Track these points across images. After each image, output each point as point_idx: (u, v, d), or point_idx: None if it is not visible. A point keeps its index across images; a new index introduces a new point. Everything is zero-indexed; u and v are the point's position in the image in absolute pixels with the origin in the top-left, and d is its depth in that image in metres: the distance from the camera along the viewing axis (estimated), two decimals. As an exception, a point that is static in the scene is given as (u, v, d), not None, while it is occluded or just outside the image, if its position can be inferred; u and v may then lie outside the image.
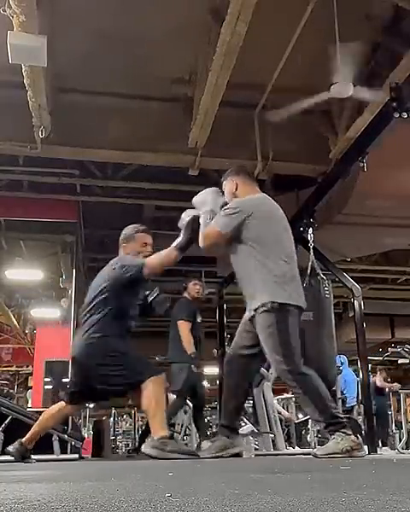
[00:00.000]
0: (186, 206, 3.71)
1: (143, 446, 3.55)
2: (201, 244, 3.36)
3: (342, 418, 3.14)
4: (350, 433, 3.06)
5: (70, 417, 7.60)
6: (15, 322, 13.08)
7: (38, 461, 4.11)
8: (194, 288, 6.08)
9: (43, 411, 4.43)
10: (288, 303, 3.20)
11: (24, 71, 4.91)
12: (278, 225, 3.37)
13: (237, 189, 3.52)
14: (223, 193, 3.63)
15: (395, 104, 4.25)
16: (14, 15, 4.19)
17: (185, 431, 8.21)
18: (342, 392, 8.94)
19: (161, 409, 3.51)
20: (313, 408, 3.13)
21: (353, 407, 9.28)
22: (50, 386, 9.92)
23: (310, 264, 5.26)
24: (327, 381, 5.19)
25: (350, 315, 10.16)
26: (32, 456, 3.99)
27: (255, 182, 3.66)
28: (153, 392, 3.45)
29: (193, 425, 6.81)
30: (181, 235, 3.54)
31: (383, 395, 9.31)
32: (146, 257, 3.71)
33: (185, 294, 6.10)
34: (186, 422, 7.50)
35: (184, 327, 5.77)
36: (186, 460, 3.22)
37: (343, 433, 3.02)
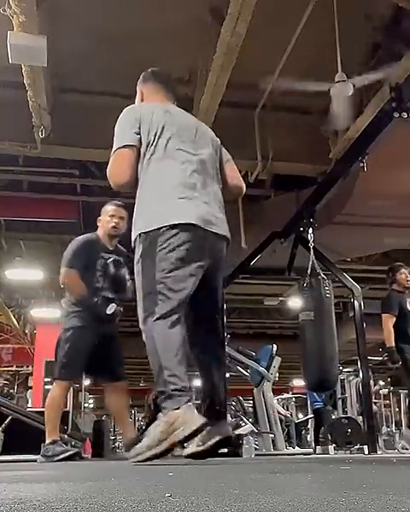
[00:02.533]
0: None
1: None
2: (113, 182, 2.69)
3: (179, 390, 2.25)
4: (177, 407, 2.23)
5: (70, 417, 7.61)
6: (15, 322, 13.08)
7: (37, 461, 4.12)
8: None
9: (43, 411, 4.45)
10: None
11: (24, 71, 4.91)
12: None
13: (143, 100, 2.98)
14: None
15: (394, 104, 4.25)
16: (14, 15, 4.19)
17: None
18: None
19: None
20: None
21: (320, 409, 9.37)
22: (50, 387, 9.92)
23: (310, 264, 5.26)
24: (328, 382, 5.21)
25: (350, 315, 10.15)
26: (33, 456, 4.01)
27: (169, 89, 2.98)
28: None
29: None
30: None
31: None
32: (113, 228, 4.13)
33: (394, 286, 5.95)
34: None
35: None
36: (186, 460, 3.21)
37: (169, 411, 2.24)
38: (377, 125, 4.66)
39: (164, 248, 2.37)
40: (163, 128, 2.58)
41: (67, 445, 6.37)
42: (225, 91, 5.30)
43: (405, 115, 4.19)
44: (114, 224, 4.21)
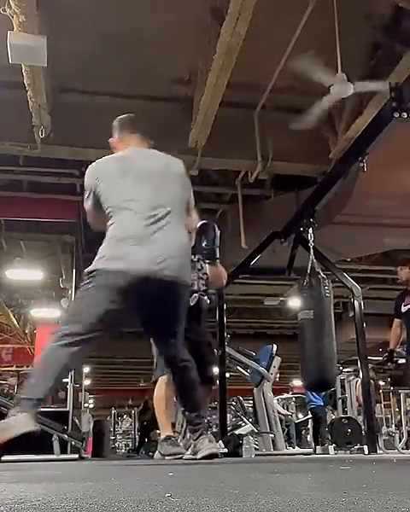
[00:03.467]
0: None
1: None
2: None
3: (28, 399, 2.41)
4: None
5: (70, 417, 7.61)
6: (15, 322, 13.07)
7: (37, 461, 4.12)
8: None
9: (42, 411, 4.43)
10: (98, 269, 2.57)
11: (24, 71, 4.91)
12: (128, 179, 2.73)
13: (116, 149, 3.05)
14: None
15: (394, 104, 4.25)
16: (14, 15, 4.20)
17: (185, 431, 8.20)
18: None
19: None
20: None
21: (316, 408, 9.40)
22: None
23: (310, 264, 5.26)
24: (327, 381, 5.21)
25: (350, 315, 10.16)
26: (33, 456, 4.01)
27: (138, 131, 3.03)
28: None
29: None
30: None
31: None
32: None
33: None
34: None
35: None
36: (186, 460, 3.22)
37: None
38: (377, 125, 4.66)
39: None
40: (115, 184, 2.70)
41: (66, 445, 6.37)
42: (225, 91, 5.30)
43: (405, 115, 4.19)
44: None
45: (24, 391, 2.45)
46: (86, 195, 2.77)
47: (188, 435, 2.88)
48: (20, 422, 2.38)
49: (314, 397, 9.37)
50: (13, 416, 2.38)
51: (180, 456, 3.38)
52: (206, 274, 3.90)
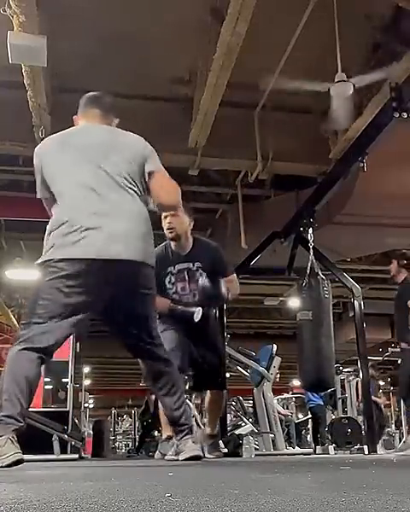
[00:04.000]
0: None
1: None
2: None
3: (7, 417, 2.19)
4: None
5: (70, 417, 7.61)
6: (15, 322, 13.06)
7: (38, 461, 4.11)
8: None
9: (43, 411, 4.42)
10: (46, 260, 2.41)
11: (24, 71, 4.91)
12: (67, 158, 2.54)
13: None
14: None
15: (395, 104, 4.25)
16: (14, 15, 4.20)
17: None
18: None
19: None
20: None
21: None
22: (50, 386, 9.92)
23: (310, 264, 5.26)
24: (325, 381, 5.21)
25: (350, 315, 10.16)
26: (32, 457, 3.98)
27: (99, 107, 2.91)
28: None
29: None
30: None
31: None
32: (169, 230, 3.59)
33: None
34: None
35: None
36: (186, 460, 3.21)
37: None
38: (377, 125, 4.66)
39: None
40: (55, 164, 2.53)
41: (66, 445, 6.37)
42: (225, 91, 5.30)
43: (405, 115, 4.19)
44: (167, 226, 3.60)
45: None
46: (37, 182, 2.58)
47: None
48: (7, 449, 2.16)
49: (314, 396, 9.39)
50: None
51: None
52: (207, 285, 3.65)
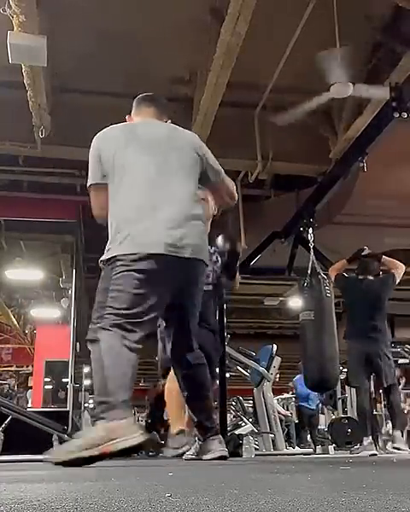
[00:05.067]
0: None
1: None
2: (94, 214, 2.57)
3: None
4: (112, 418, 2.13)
5: (70, 417, 7.61)
6: (15, 322, 13.08)
7: (37, 461, 4.11)
8: None
9: (43, 411, 4.42)
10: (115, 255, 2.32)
11: (24, 71, 4.91)
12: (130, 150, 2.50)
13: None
14: None
15: (395, 104, 4.25)
16: (14, 15, 4.20)
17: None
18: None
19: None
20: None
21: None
22: (50, 386, 9.93)
23: (310, 264, 5.26)
24: (329, 382, 5.21)
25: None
26: (33, 456, 3.98)
27: (155, 106, 2.85)
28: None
29: None
30: None
31: None
32: None
33: None
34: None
35: None
36: (186, 460, 3.21)
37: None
38: (377, 125, 4.66)
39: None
40: (119, 154, 2.47)
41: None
42: (225, 91, 5.30)
43: (405, 115, 4.19)
44: None
45: (107, 394, 2.16)
46: (90, 171, 2.49)
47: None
48: (134, 430, 2.12)
49: (309, 401, 9.43)
50: (118, 421, 2.09)
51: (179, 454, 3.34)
52: (220, 268, 3.70)
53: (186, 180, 2.52)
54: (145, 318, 2.30)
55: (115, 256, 2.31)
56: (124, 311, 2.25)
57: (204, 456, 2.62)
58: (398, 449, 4.79)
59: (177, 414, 3.46)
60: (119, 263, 2.29)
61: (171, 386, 3.37)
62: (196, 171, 2.61)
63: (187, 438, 3.32)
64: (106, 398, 2.14)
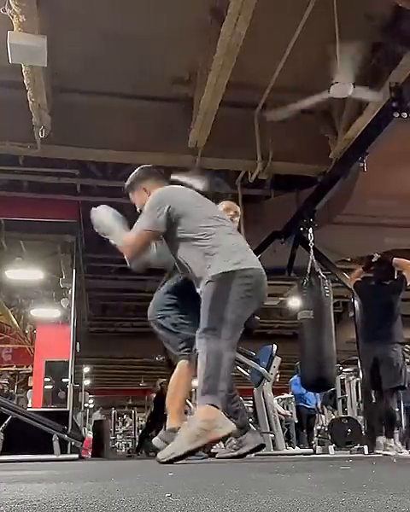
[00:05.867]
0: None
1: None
2: (129, 255, 2.92)
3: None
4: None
5: (70, 417, 7.61)
6: (15, 322, 13.08)
7: (37, 461, 4.11)
8: None
9: (43, 411, 4.41)
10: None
11: (24, 71, 4.91)
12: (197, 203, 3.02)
13: (149, 195, 3.05)
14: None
15: (395, 104, 4.25)
16: (14, 15, 4.20)
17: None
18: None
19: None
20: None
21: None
22: (50, 386, 9.93)
23: (310, 264, 5.27)
24: (326, 381, 5.21)
25: (350, 315, 10.16)
26: (33, 456, 3.97)
27: (165, 178, 3.18)
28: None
29: None
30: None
31: None
32: None
33: None
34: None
35: None
36: (187, 460, 3.20)
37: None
38: (377, 125, 4.66)
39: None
40: (196, 209, 2.95)
41: (66, 445, 6.36)
42: (225, 91, 5.30)
43: (405, 115, 4.19)
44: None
45: (213, 386, 2.43)
46: (156, 216, 2.83)
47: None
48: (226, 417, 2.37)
49: (308, 401, 9.44)
50: (214, 407, 2.33)
51: (203, 457, 3.34)
52: None
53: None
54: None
55: (230, 271, 2.86)
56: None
57: (243, 450, 2.95)
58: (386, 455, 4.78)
59: (175, 410, 3.40)
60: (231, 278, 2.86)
61: (177, 379, 3.26)
62: None
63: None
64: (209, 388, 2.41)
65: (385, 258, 5.54)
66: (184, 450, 2.26)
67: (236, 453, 3.12)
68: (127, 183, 3.19)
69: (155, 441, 3.46)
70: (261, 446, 2.98)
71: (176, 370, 3.27)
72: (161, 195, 2.94)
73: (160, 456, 2.40)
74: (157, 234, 2.90)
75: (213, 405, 2.32)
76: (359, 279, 5.55)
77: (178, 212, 2.86)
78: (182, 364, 3.20)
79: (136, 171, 3.20)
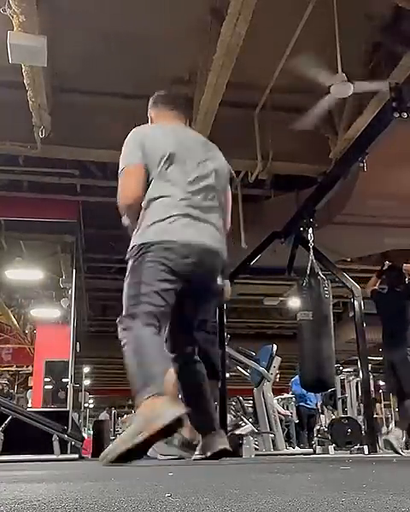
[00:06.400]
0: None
1: None
2: (122, 200, 2.56)
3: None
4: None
5: (70, 417, 7.61)
6: (15, 322, 13.08)
7: (37, 461, 4.11)
8: None
9: (43, 411, 4.42)
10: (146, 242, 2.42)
11: (24, 71, 4.91)
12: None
13: (152, 123, 2.90)
14: None
15: (395, 104, 4.24)
16: (14, 15, 4.20)
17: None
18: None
19: None
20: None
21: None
22: (50, 386, 9.93)
23: (310, 264, 5.26)
24: (325, 382, 5.21)
25: (350, 315, 10.16)
26: (33, 456, 3.97)
27: (179, 109, 2.90)
28: None
29: None
30: None
31: None
32: None
33: None
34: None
35: None
36: (187, 460, 3.21)
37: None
38: (377, 125, 4.65)
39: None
40: (162, 150, 2.54)
41: (66, 445, 6.36)
42: (225, 91, 5.30)
43: (405, 115, 4.18)
44: None
45: (142, 377, 2.20)
46: (128, 159, 2.54)
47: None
48: (171, 405, 2.10)
49: (309, 401, 9.45)
50: (150, 399, 2.09)
51: (176, 457, 3.33)
52: None
53: (220, 197, 2.68)
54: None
55: (146, 242, 2.45)
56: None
57: (207, 454, 2.59)
58: (391, 446, 4.92)
59: None
60: (146, 250, 2.46)
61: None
62: (225, 189, 2.75)
63: (172, 449, 3.33)
64: (141, 381, 2.18)
65: (395, 265, 5.69)
66: (123, 447, 2.06)
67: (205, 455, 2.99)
68: None
69: (152, 453, 3.51)
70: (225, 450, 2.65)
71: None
72: (134, 132, 2.67)
73: (100, 456, 2.18)
74: (139, 167, 2.50)
75: (148, 398, 2.08)
76: (375, 287, 5.78)
77: (147, 147, 2.53)
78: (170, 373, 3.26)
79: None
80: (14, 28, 4.36)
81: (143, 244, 2.41)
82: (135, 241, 2.46)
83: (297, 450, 8.46)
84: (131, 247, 2.47)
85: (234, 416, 8.70)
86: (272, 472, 1.67)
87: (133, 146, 2.58)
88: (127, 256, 2.47)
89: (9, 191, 7.67)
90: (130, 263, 2.44)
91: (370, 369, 5.98)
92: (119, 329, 2.33)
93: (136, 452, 2.08)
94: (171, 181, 2.51)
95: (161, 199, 2.47)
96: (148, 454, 3.49)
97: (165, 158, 2.52)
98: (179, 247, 2.40)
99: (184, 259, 2.41)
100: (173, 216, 2.43)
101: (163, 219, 2.43)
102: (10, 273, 9.69)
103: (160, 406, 2.06)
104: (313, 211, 5.62)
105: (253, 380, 7.04)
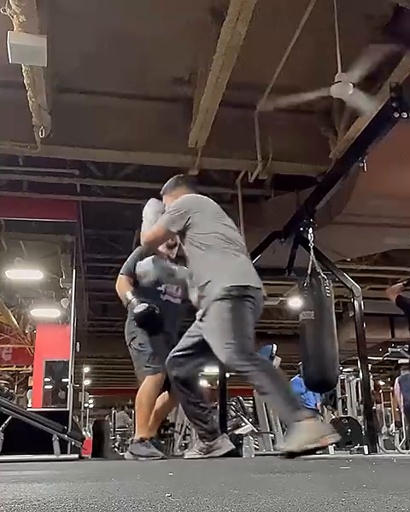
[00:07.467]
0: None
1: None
2: (145, 241, 3.50)
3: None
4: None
5: (70, 417, 7.61)
6: (15, 322, 13.08)
7: (37, 461, 4.11)
8: None
9: (43, 411, 4.43)
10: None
11: (24, 71, 4.91)
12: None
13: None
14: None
15: (395, 104, 4.24)
16: (14, 15, 4.19)
17: (185, 431, 8.20)
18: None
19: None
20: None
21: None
22: (50, 386, 9.93)
23: (310, 264, 5.26)
24: (328, 382, 5.21)
25: (350, 315, 10.16)
26: (33, 456, 3.99)
27: (194, 188, 3.64)
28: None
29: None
30: None
31: None
32: None
33: None
34: (186, 422, 7.50)
35: None
36: (187, 460, 3.22)
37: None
38: (378, 125, 4.65)
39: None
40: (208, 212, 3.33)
41: (66, 445, 6.36)
42: (225, 91, 5.30)
43: (405, 115, 4.18)
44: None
45: (292, 402, 2.79)
46: (177, 215, 3.21)
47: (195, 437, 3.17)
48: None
49: (309, 401, 9.44)
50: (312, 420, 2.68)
51: (156, 457, 3.39)
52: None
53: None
54: None
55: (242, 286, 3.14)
56: None
57: (216, 454, 3.10)
58: None
59: (143, 421, 3.60)
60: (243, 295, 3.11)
61: (146, 392, 3.59)
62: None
63: (151, 449, 3.46)
64: (292, 405, 2.74)
65: None
66: (310, 446, 2.53)
67: (205, 456, 3.19)
68: (162, 189, 3.64)
69: (127, 456, 3.60)
70: (233, 451, 3.21)
71: (142, 385, 3.60)
72: (184, 200, 3.33)
73: (287, 447, 2.61)
74: (171, 233, 3.31)
75: (307, 418, 2.61)
76: (401, 294, 6.05)
77: (195, 219, 3.19)
78: (148, 380, 3.55)
79: (171, 179, 3.66)
80: (14, 28, 4.36)
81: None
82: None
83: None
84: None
85: (234, 416, 8.71)
86: (272, 472, 1.67)
87: (184, 209, 3.30)
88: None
89: (9, 191, 7.66)
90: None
91: (370, 369, 5.99)
92: (242, 362, 3.04)
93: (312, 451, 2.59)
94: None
95: None
96: (125, 457, 3.65)
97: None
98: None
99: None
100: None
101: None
102: (10, 273, 9.68)
103: (323, 428, 2.76)
104: (313, 211, 5.62)
105: (253, 380, 7.02)
